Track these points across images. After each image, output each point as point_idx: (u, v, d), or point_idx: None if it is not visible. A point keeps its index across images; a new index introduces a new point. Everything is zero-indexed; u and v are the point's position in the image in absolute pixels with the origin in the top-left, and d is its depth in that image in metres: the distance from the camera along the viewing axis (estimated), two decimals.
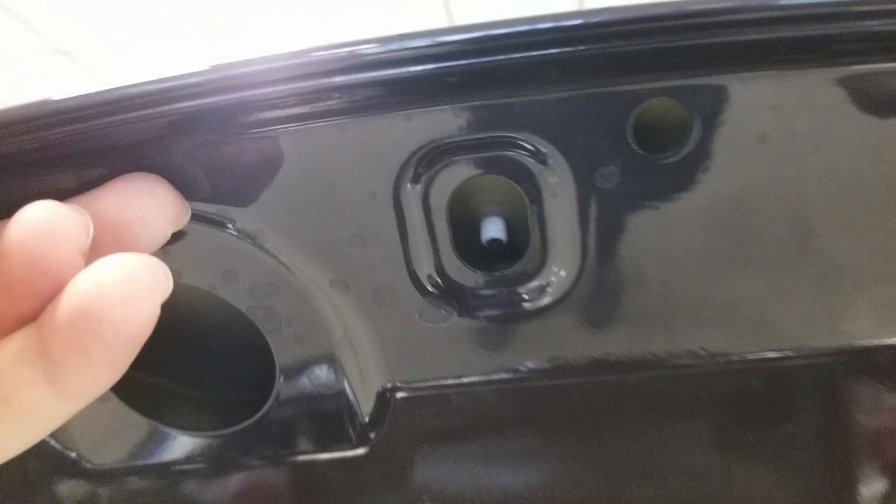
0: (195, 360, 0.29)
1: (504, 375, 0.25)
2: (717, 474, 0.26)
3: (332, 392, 0.25)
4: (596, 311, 0.23)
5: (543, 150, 0.20)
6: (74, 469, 0.28)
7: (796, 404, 0.25)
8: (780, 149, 0.20)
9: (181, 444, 0.27)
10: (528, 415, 0.26)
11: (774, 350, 0.24)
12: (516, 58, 0.18)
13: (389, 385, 0.25)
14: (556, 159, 0.20)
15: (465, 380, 0.25)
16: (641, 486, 0.26)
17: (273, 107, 0.19)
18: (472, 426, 0.26)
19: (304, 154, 0.20)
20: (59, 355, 0.16)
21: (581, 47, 0.17)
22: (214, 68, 0.18)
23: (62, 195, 0.18)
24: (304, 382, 0.25)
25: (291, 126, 0.19)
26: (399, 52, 0.18)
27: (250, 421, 0.26)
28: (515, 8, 0.94)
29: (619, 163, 0.20)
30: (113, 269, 0.16)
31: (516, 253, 0.23)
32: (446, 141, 0.20)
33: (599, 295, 0.23)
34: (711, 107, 0.19)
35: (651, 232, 0.21)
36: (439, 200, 0.21)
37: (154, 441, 0.27)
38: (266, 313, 0.24)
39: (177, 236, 0.21)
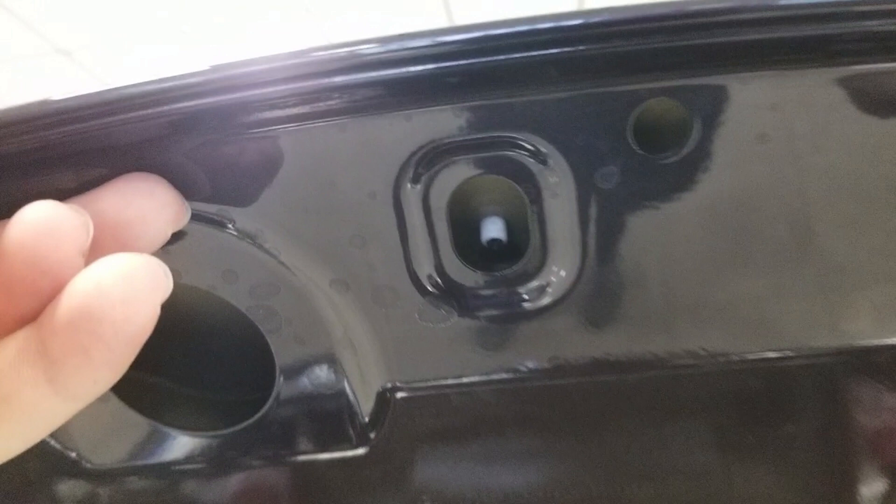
0: (195, 360, 0.29)
1: (504, 375, 0.25)
2: (717, 474, 0.26)
3: (332, 392, 0.25)
4: (596, 311, 0.23)
5: (543, 150, 0.20)
6: (74, 469, 0.28)
7: (796, 404, 0.25)
8: (780, 149, 0.20)
9: (181, 444, 0.27)
10: (528, 415, 0.26)
11: (774, 350, 0.24)
12: (516, 58, 0.18)
13: (389, 385, 0.25)
14: (556, 159, 0.20)
15: (465, 380, 0.25)
16: (641, 486, 0.26)
17: (273, 107, 0.19)
18: (472, 426, 0.26)
19: (304, 154, 0.20)
20: (59, 355, 0.16)
21: (581, 47, 0.17)
22: (214, 68, 0.18)
23: (62, 195, 0.18)
24: (304, 382, 0.25)
25: (291, 126, 0.19)
26: (399, 52, 0.18)
27: (250, 421, 0.26)
28: (515, 8, 0.94)
29: (619, 163, 0.20)
30: (113, 269, 0.16)
31: (516, 253, 0.23)
32: (446, 141, 0.20)
33: (599, 295, 0.23)
34: (711, 107, 0.19)
35: (651, 232, 0.21)
36: (439, 200, 0.21)
37: (154, 441, 0.27)
38: (266, 313, 0.24)
39: (177, 236, 0.21)
